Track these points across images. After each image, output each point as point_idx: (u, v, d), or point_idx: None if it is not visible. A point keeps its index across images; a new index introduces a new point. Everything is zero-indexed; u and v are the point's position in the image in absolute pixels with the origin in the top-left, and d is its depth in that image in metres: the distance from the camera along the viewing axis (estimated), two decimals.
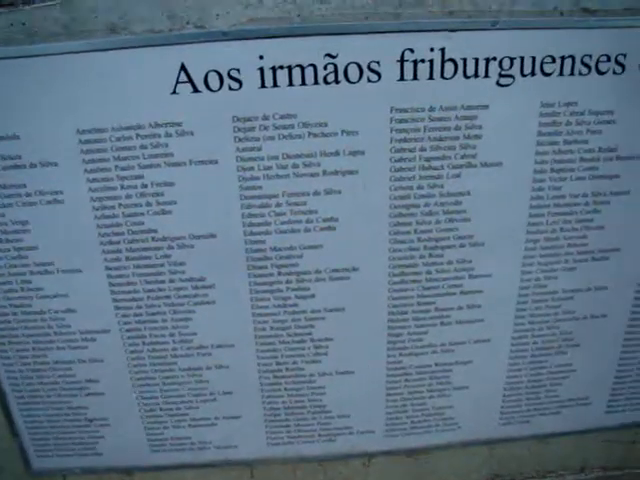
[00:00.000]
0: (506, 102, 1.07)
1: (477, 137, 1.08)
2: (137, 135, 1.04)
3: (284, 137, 1.05)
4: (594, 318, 1.29)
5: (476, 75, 1.05)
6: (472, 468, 1.45)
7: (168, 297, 1.17)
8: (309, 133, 1.05)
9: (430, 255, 1.17)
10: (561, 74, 1.06)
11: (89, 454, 1.33)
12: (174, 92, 1.01)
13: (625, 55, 1.07)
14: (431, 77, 1.03)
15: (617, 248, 1.23)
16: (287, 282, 1.17)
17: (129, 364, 1.23)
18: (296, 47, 1.00)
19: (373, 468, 1.41)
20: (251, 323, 1.20)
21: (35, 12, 0.96)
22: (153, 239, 1.11)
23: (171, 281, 1.15)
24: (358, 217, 1.12)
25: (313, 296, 1.18)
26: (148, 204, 1.09)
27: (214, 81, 1.00)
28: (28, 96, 0.98)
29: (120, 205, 1.09)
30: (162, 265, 1.14)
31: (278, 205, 1.10)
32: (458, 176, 1.11)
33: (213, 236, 1.12)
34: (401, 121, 1.06)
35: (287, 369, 1.26)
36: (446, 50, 1.02)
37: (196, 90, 1.01)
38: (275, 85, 1.02)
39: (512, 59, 1.04)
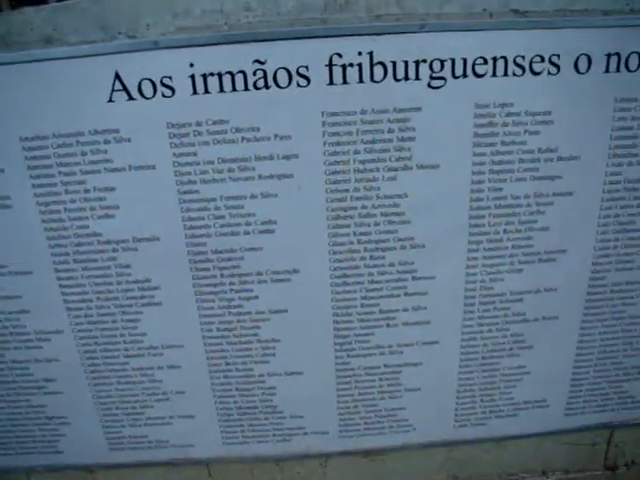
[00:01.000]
0: (439, 104, 1.07)
1: (411, 139, 1.09)
2: (77, 142, 1.07)
3: (218, 142, 1.08)
4: (545, 320, 1.28)
5: (406, 78, 1.05)
6: (431, 470, 1.45)
7: (116, 298, 1.20)
8: (242, 138, 1.08)
9: (371, 257, 1.18)
10: (494, 75, 1.06)
11: (51, 452, 1.37)
12: (110, 100, 1.04)
13: (559, 55, 1.06)
14: (361, 81, 1.05)
15: (564, 249, 1.22)
16: (230, 284, 1.19)
17: (83, 364, 1.26)
18: (225, 54, 1.02)
19: (330, 468, 1.42)
20: (198, 324, 1.22)
21: None
22: (99, 242, 1.15)
23: (118, 283, 1.18)
24: (296, 220, 1.14)
25: (257, 297, 1.20)
26: (92, 208, 1.12)
27: (147, 89, 1.04)
28: None
29: (65, 209, 1.12)
30: (109, 267, 1.17)
31: (217, 208, 1.12)
32: (394, 179, 1.12)
33: (156, 239, 1.15)
34: (333, 125, 1.07)
35: (237, 369, 1.28)
36: (374, 54, 1.04)
37: (131, 98, 1.04)
38: (206, 92, 1.04)
39: (442, 61, 1.05)
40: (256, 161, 1.09)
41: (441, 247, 1.18)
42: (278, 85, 1.04)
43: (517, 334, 1.29)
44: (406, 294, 1.22)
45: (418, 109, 1.07)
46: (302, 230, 1.15)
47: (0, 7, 1.77)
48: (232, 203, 1.12)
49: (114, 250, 1.16)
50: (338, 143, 1.08)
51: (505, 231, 1.18)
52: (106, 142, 1.07)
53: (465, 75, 1.06)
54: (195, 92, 1.04)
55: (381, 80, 1.05)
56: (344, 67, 1.04)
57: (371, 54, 1.03)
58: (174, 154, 1.08)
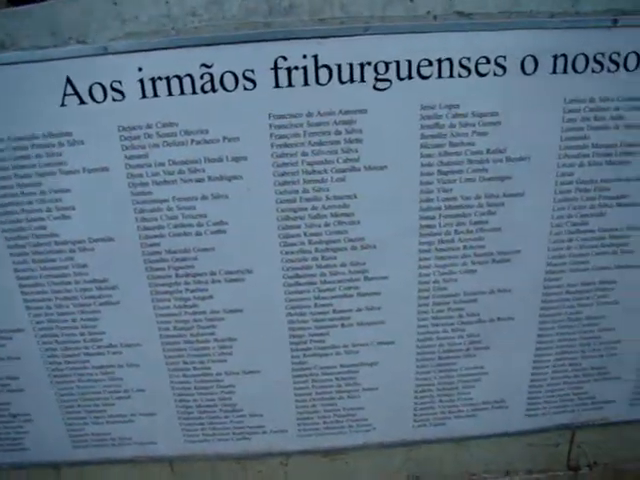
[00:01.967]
0: (385, 106, 1.09)
1: (358, 141, 1.11)
2: (32, 145, 1.10)
3: (168, 144, 1.10)
4: (501, 320, 1.29)
5: (352, 80, 1.07)
6: (392, 469, 1.46)
7: (75, 298, 1.22)
8: (192, 140, 1.10)
9: (323, 257, 1.19)
10: (440, 77, 1.08)
11: (16, 449, 1.39)
12: (63, 104, 1.07)
13: (505, 57, 1.07)
14: (306, 83, 1.06)
15: (517, 250, 1.22)
16: (185, 283, 1.21)
17: (45, 361, 1.29)
18: (172, 59, 1.05)
19: (291, 467, 1.43)
20: (155, 323, 1.25)
21: None
22: (56, 242, 1.17)
23: (76, 282, 1.21)
24: (247, 221, 1.16)
25: (211, 297, 1.22)
26: (48, 210, 1.15)
27: (98, 93, 1.06)
28: None
29: (23, 210, 1.15)
30: (66, 267, 1.20)
31: (169, 209, 1.15)
32: (343, 180, 1.13)
33: (111, 239, 1.17)
34: (280, 127, 1.09)
35: (194, 368, 1.30)
36: (319, 57, 1.05)
37: (82, 102, 1.07)
38: (155, 95, 1.07)
39: (387, 63, 1.06)
40: (206, 163, 1.11)
41: (392, 248, 1.19)
42: (225, 88, 1.06)
43: (473, 334, 1.30)
44: (359, 294, 1.23)
45: (364, 111, 1.09)
46: (253, 231, 1.16)
47: None
48: (184, 204, 1.14)
49: (71, 250, 1.18)
50: (286, 145, 1.10)
51: (456, 232, 1.19)
52: (60, 145, 1.10)
53: (410, 77, 1.07)
54: (144, 96, 1.06)
55: (326, 83, 1.06)
56: (289, 70, 1.05)
57: (316, 57, 1.05)
58: (126, 156, 1.10)
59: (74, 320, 1.25)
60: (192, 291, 1.21)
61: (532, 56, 1.08)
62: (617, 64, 1.11)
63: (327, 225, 1.16)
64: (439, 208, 1.17)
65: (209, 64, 1.04)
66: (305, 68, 1.05)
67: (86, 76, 1.05)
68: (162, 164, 1.11)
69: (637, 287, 1.30)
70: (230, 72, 1.05)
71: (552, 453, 1.46)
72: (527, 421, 1.41)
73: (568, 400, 1.41)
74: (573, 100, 1.12)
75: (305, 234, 1.17)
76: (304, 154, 1.11)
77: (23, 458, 1.40)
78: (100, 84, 1.06)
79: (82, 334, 1.26)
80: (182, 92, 1.06)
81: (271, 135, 1.09)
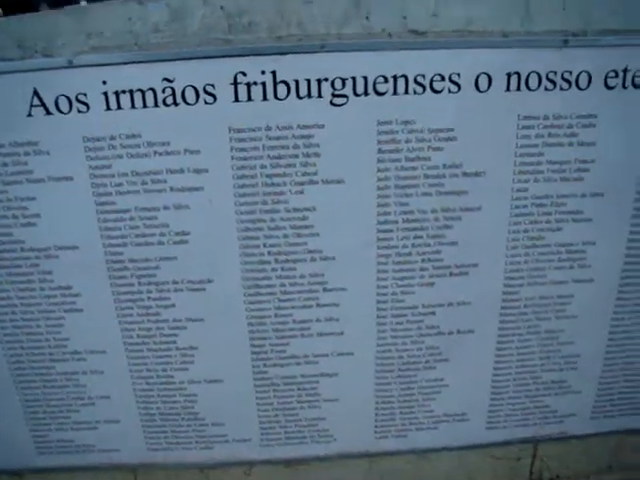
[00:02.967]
0: (342, 121, 1.12)
1: (316, 155, 1.14)
2: None
3: (132, 155, 1.13)
4: (460, 333, 1.31)
5: (309, 95, 1.10)
6: None
7: (40, 304, 1.25)
8: (154, 152, 1.13)
9: (282, 269, 1.22)
10: (395, 93, 1.11)
11: None
12: (29, 115, 1.10)
13: (459, 74, 1.11)
14: (265, 98, 1.10)
15: (475, 263, 1.25)
16: (148, 292, 1.23)
17: (10, 367, 1.31)
18: (135, 73, 1.08)
19: (254, 477, 1.45)
20: (119, 331, 1.27)
21: None
22: (22, 249, 1.20)
23: (41, 289, 1.23)
24: (208, 231, 1.18)
25: (174, 305, 1.24)
26: (14, 217, 1.18)
27: (64, 104, 1.09)
28: None
29: None
30: (32, 274, 1.22)
31: (132, 219, 1.17)
32: (301, 192, 1.16)
33: (75, 247, 1.20)
34: (240, 140, 1.12)
35: (157, 376, 1.31)
36: (277, 72, 1.08)
37: (49, 113, 1.10)
38: (119, 108, 1.10)
39: (344, 80, 1.10)
40: (168, 174, 1.14)
41: (351, 260, 1.21)
42: (186, 102, 1.09)
43: (432, 347, 1.32)
44: (318, 305, 1.25)
45: (321, 126, 1.12)
46: (214, 241, 1.19)
47: None
48: (146, 214, 1.17)
49: (37, 257, 1.21)
50: (245, 158, 1.13)
51: (414, 245, 1.22)
52: (26, 154, 1.13)
53: (367, 93, 1.11)
54: (108, 108, 1.10)
55: (284, 98, 1.10)
56: (249, 85, 1.09)
57: (274, 73, 1.08)
58: (90, 166, 1.13)
59: (39, 326, 1.27)
60: (154, 299, 1.24)
61: (486, 74, 1.11)
62: (569, 82, 1.14)
63: (286, 237, 1.19)
64: (396, 222, 1.19)
65: (171, 78, 1.08)
66: (264, 84, 1.09)
67: (52, 88, 1.09)
68: (125, 174, 1.14)
69: (595, 301, 1.31)
70: (191, 86, 1.08)
71: (514, 466, 1.47)
72: (489, 434, 1.42)
73: (529, 413, 1.42)
74: (527, 117, 1.15)
75: (264, 245, 1.19)
76: (263, 167, 1.14)
77: None
78: (66, 96, 1.08)
79: (47, 340, 1.28)
80: (145, 105, 1.09)
81: (231, 148, 1.12)
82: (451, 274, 1.25)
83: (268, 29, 1.08)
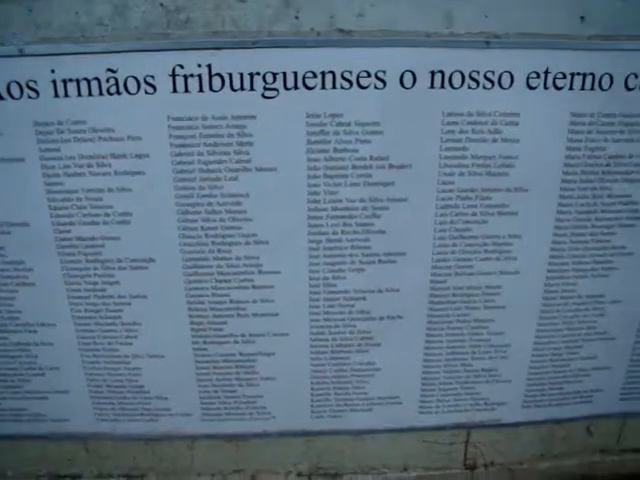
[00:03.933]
0: (273, 113, 1.20)
1: (249, 144, 1.21)
2: None
3: (78, 140, 1.21)
4: (390, 319, 1.37)
5: (242, 88, 1.18)
6: (293, 458, 1.53)
7: None
8: (99, 137, 1.21)
9: (219, 250, 1.29)
10: (324, 88, 1.18)
11: None
12: None
13: (385, 72, 1.18)
14: (201, 90, 1.18)
15: (403, 252, 1.31)
16: (94, 269, 1.32)
17: None
18: (81, 63, 1.16)
19: (197, 451, 1.52)
20: (68, 305, 1.35)
21: None
22: None
23: None
24: (149, 213, 1.26)
25: (118, 283, 1.32)
26: None
27: (15, 90, 1.18)
28: None
29: None
30: None
31: (79, 200, 1.26)
32: (236, 179, 1.24)
33: (26, 224, 1.28)
34: (178, 128, 1.20)
35: (104, 349, 1.40)
36: (212, 66, 1.16)
37: (1, 98, 1.18)
38: (67, 95, 1.18)
39: (275, 74, 1.17)
40: (112, 158, 1.22)
41: (283, 244, 1.29)
42: (128, 91, 1.18)
43: (364, 331, 1.38)
44: (254, 287, 1.32)
45: (253, 117, 1.19)
46: (155, 222, 1.27)
47: None
48: (92, 195, 1.25)
49: None
50: (183, 145, 1.21)
51: (343, 232, 1.29)
52: None
53: (296, 87, 1.18)
54: (57, 95, 1.18)
55: (219, 90, 1.18)
56: (186, 77, 1.17)
57: (209, 66, 1.16)
58: (40, 149, 1.22)
59: None
60: (100, 276, 1.32)
61: (410, 71, 1.18)
62: (492, 82, 1.20)
63: (222, 220, 1.26)
64: (325, 209, 1.26)
65: (114, 69, 1.16)
66: (200, 76, 1.17)
67: (4, 75, 1.17)
68: (72, 158, 1.22)
69: (522, 293, 1.37)
70: (133, 77, 1.17)
71: (448, 451, 1.53)
72: (421, 418, 1.49)
73: (461, 400, 1.48)
74: (451, 113, 1.22)
75: (202, 228, 1.27)
76: (200, 154, 1.22)
77: None
78: (17, 82, 1.17)
79: (0, 312, 1.36)
80: (90, 93, 1.18)
81: (170, 135, 1.20)
82: (380, 261, 1.31)
83: (204, 25, 1.16)
